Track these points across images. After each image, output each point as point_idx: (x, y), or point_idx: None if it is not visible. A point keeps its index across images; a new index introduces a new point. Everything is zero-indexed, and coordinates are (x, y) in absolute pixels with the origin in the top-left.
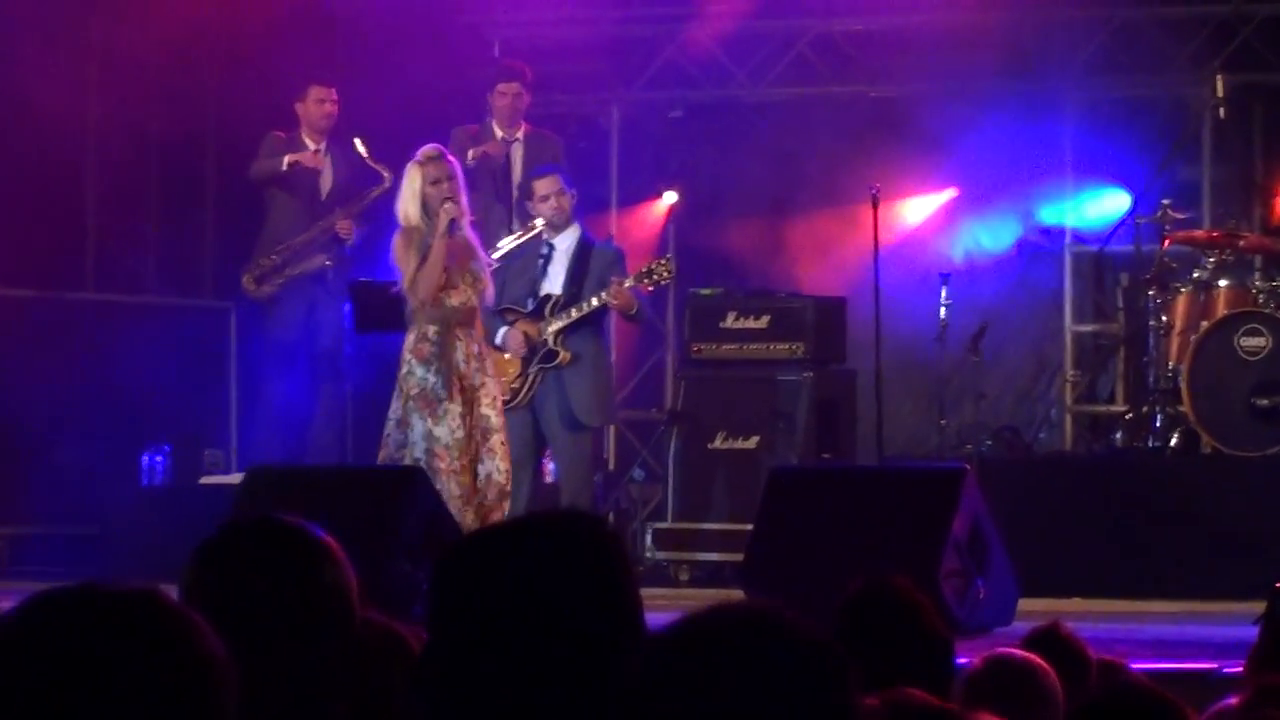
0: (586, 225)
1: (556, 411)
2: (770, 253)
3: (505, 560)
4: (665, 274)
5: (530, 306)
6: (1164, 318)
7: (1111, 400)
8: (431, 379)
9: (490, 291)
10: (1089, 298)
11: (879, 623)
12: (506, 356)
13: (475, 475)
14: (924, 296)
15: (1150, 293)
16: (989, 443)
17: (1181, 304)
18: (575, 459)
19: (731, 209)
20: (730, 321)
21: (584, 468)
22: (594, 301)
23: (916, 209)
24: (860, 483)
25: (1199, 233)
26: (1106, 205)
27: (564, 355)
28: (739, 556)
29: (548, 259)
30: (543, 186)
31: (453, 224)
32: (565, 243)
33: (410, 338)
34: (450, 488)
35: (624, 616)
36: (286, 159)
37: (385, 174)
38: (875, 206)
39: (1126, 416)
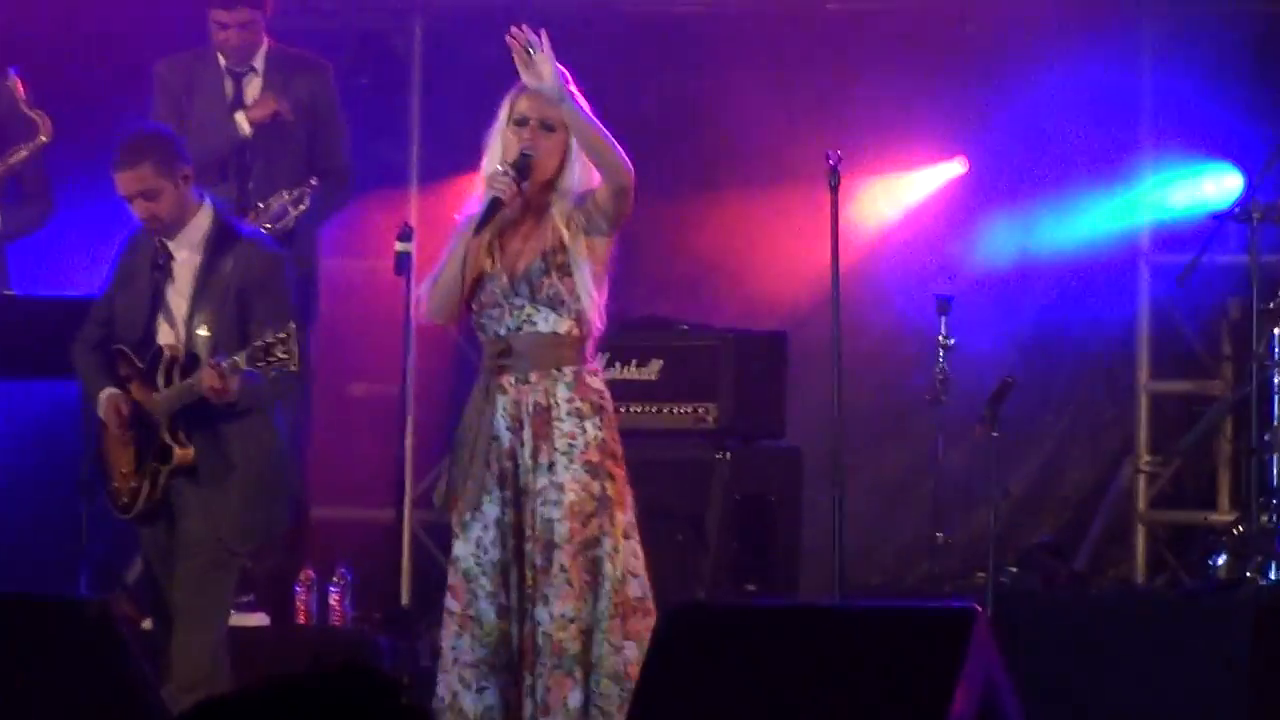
0: (227, 211)
1: (185, 523)
2: (667, 257)
3: None
4: (288, 357)
5: (145, 357)
6: None
7: (1210, 504)
8: (454, 467)
9: (596, 315)
10: (1175, 338)
11: None
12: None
13: (519, 630)
14: (912, 332)
15: (1276, 331)
16: (1013, 569)
17: None
18: (202, 602)
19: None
20: (601, 370)
21: (212, 614)
22: (194, 388)
23: (901, 190)
24: (806, 632)
25: None
26: (1206, 190)
27: (180, 453)
28: None
29: (163, 274)
30: (124, 182)
31: (494, 204)
32: (185, 247)
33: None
34: (463, 649)
35: None
36: None
37: (42, 124)
38: (835, 185)
39: (1235, 530)
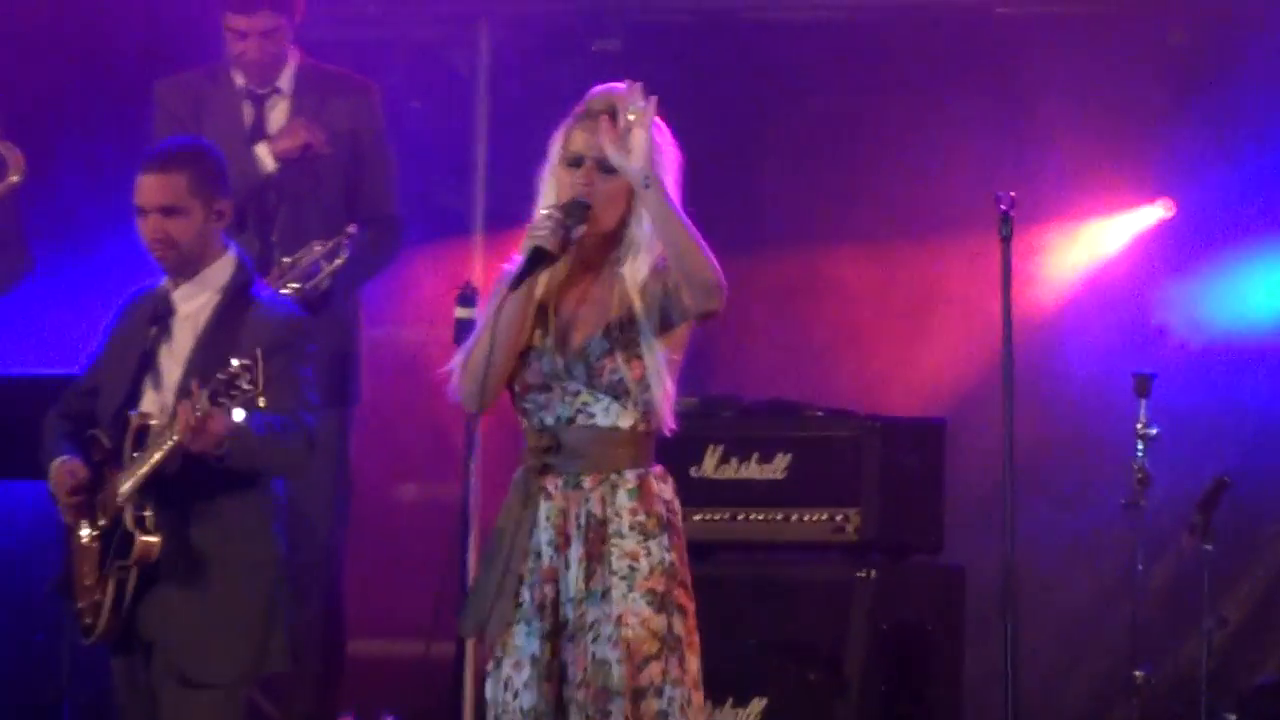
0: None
1: (160, 651)
2: (791, 325)
3: None
4: (253, 389)
5: (115, 438)
6: None
7: None
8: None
9: (669, 409)
10: None
11: None
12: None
13: None
14: (1104, 419)
15: None
16: (1231, 717)
17: None
18: None
19: (712, 232)
20: (711, 467)
21: None
22: (167, 444)
23: (1090, 241)
24: None
25: None
26: None
27: (142, 543)
28: None
29: (161, 330)
30: (149, 189)
31: (536, 256)
32: (193, 300)
33: None
34: None
35: None
36: None
37: (11, 158)
38: (1006, 236)
39: None
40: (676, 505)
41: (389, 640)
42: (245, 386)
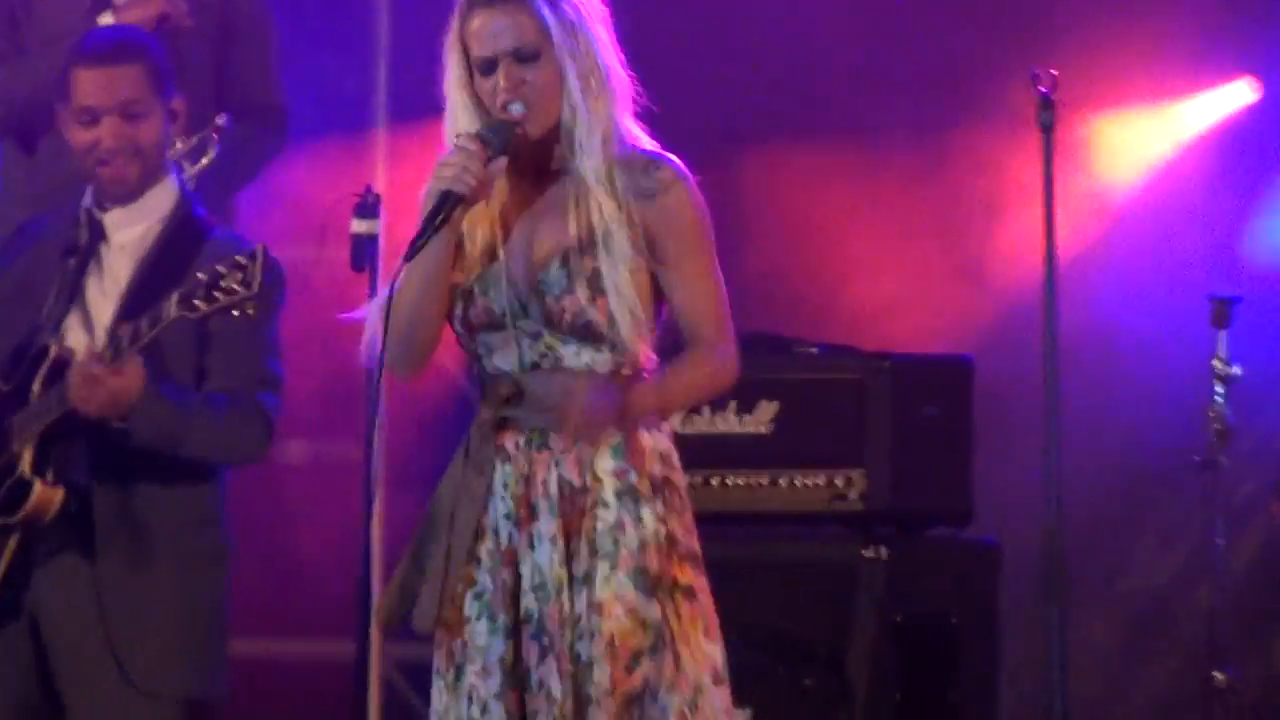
0: (192, 177)
1: (70, 633)
2: (781, 242)
3: None
4: (248, 292)
5: (21, 370)
6: None
7: None
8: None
9: (646, 346)
10: None
11: None
12: None
13: None
14: (1172, 355)
15: None
16: None
17: None
18: None
19: (688, 132)
20: (676, 420)
21: None
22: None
23: (1151, 132)
24: None
25: None
26: None
27: (41, 492)
28: None
29: (87, 256)
30: (102, 85)
31: (445, 201)
32: (129, 229)
33: None
34: None
35: None
36: None
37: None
38: (1047, 125)
39: None
40: (675, 460)
41: (279, 638)
42: (237, 289)
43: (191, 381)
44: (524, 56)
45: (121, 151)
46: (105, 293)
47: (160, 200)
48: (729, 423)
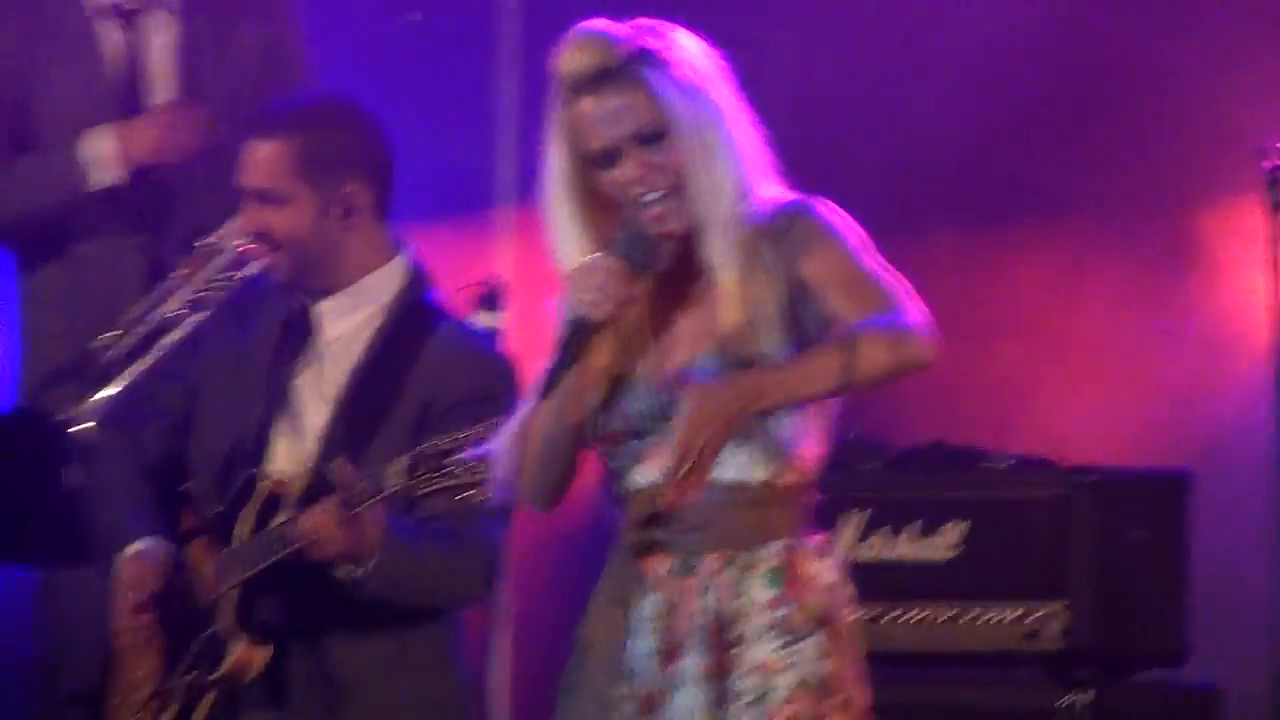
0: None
1: None
2: (962, 337)
3: None
4: (473, 481)
5: (226, 498)
6: None
7: None
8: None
9: (814, 451)
10: None
11: None
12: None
13: None
14: None
15: None
16: None
17: None
18: None
19: (851, 204)
20: (850, 543)
21: None
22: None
23: None
24: None
25: None
26: None
27: (243, 653)
28: None
29: (299, 353)
30: (262, 156)
31: (580, 330)
32: (345, 319)
33: None
34: None
35: None
36: None
37: None
38: (1278, 204)
39: None
40: (843, 591)
41: None
42: (459, 476)
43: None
44: (647, 138)
45: (257, 251)
46: (320, 395)
47: (381, 285)
48: (908, 548)
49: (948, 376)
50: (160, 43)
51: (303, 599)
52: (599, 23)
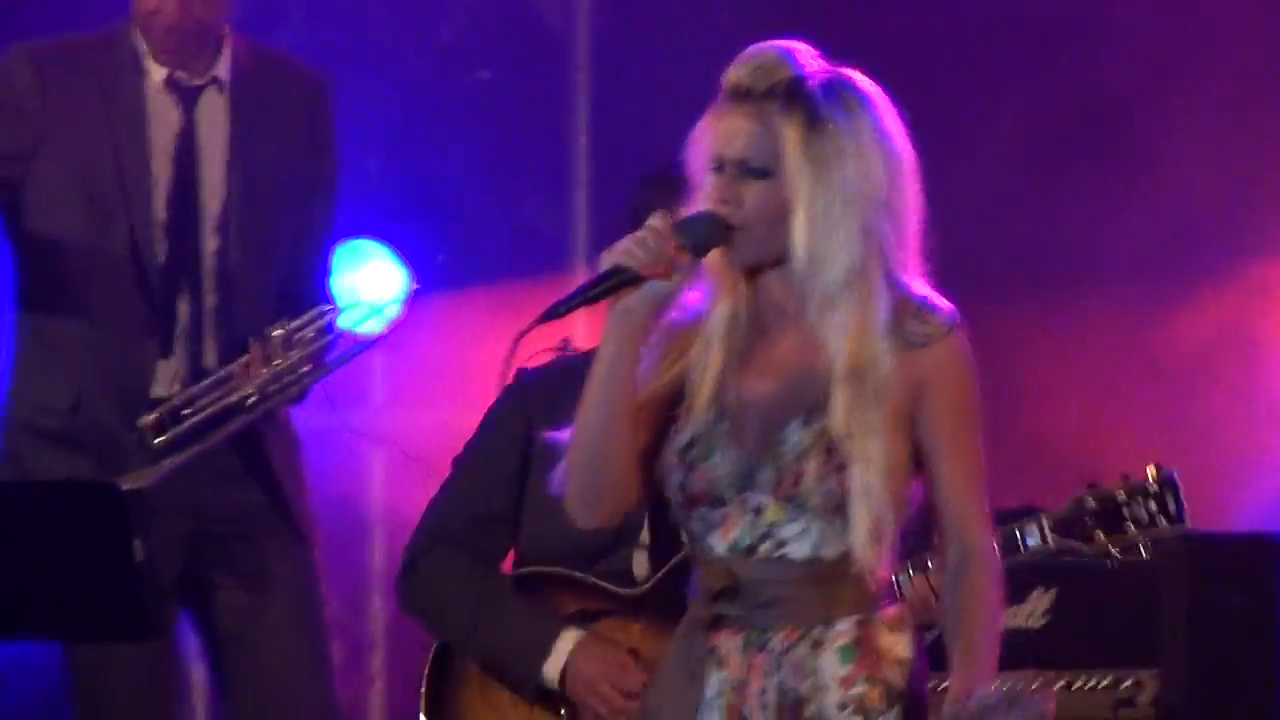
0: None
1: None
2: (1039, 394)
3: None
4: None
5: (626, 590)
6: None
7: None
8: None
9: (897, 528)
10: None
11: None
12: None
13: None
14: None
15: None
16: None
17: None
18: None
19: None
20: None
21: None
22: None
23: None
24: None
25: None
26: None
27: None
28: None
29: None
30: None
31: (612, 278)
32: None
33: None
34: None
35: None
36: None
37: None
38: None
39: None
40: (919, 667)
41: None
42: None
43: None
44: (751, 170)
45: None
46: None
47: None
48: None
49: (1034, 435)
50: (210, 119)
51: None
52: (786, 44)
